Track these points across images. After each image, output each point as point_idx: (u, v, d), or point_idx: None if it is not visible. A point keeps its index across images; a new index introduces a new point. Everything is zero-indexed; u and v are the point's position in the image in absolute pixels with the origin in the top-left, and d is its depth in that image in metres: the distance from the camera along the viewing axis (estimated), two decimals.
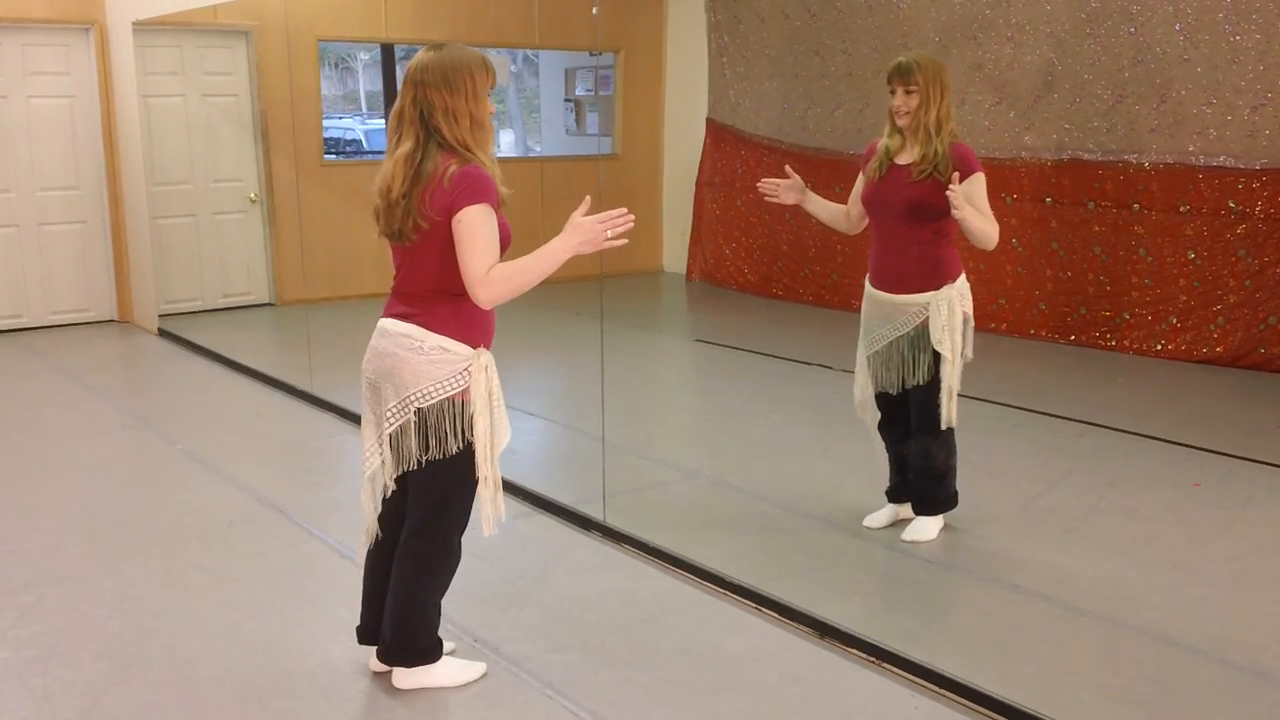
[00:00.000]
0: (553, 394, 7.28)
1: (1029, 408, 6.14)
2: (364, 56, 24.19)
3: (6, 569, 4.19)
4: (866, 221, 4.41)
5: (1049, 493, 4.95)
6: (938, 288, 4.15)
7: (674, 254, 11.15)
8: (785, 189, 4.37)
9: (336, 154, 16.01)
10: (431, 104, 2.95)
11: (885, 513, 4.53)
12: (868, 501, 4.60)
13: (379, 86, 22.94)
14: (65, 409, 6.45)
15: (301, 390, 6.59)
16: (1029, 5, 7.76)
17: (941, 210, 4.05)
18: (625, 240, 3.02)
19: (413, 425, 3.02)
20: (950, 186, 3.92)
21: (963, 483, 4.40)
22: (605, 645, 3.54)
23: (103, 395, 6.76)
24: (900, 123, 4.14)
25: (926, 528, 4.36)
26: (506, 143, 19.57)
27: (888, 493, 4.54)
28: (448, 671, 3.28)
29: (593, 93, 11.52)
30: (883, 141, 4.24)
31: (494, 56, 11.98)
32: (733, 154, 10.17)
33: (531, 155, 15.44)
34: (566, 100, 11.98)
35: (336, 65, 24.94)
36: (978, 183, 4.09)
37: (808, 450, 5.58)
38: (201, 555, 4.31)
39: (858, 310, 4.44)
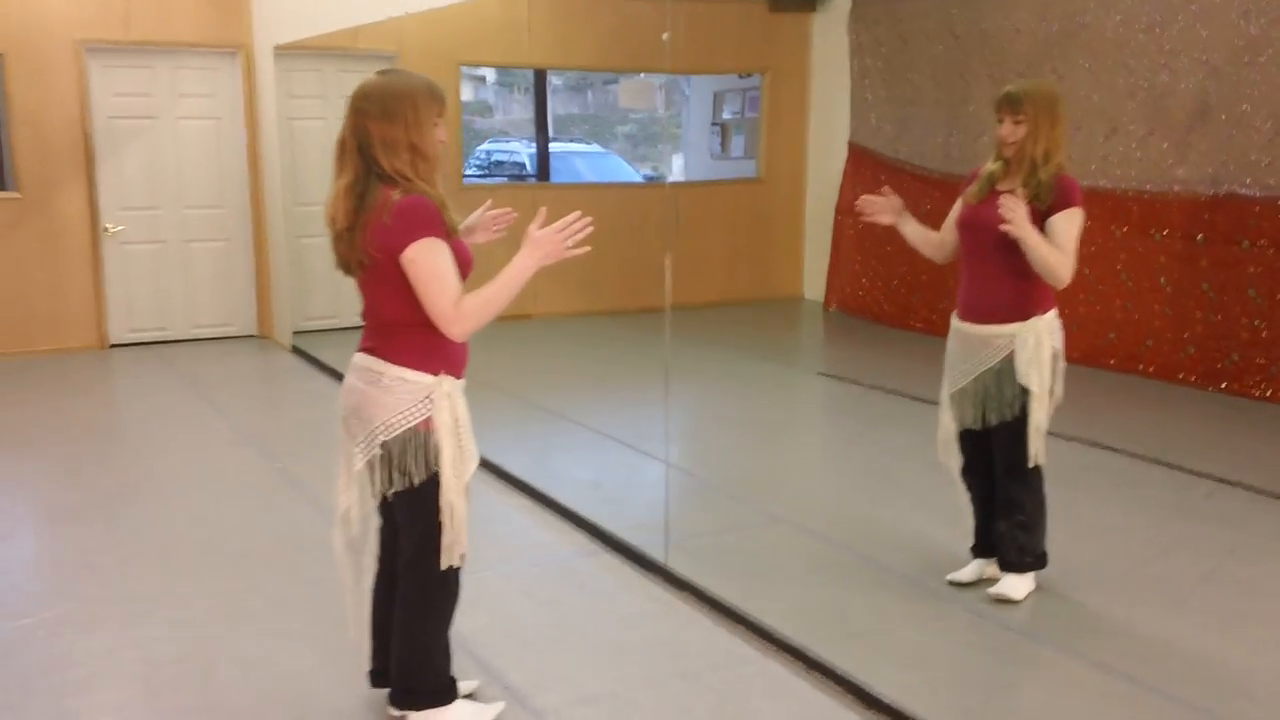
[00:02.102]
0: (656, 427, 7.07)
1: (1159, 459, 5.70)
2: (555, 81, 24.47)
3: (73, 584, 4.27)
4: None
5: (1161, 558, 4.56)
6: (1026, 319, 3.91)
7: (815, 281, 10.88)
8: (882, 208, 4.23)
9: (505, 177, 16.14)
10: (369, 134, 2.85)
11: (971, 569, 4.24)
12: (961, 555, 4.29)
13: (572, 109, 23.25)
14: (182, 422, 6.62)
15: None
16: (1184, 31, 7.27)
17: None
18: (588, 248, 2.90)
19: (378, 459, 2.94)
20: (1004, 195, 3.73)
21: (1068, 541, 4.12)
22: (636, 700, 3.37)
23: (221, 410, 6.92)
24: (1005, 153, 3.94)
25: (1014, 586, 4.06)
26: (677, 166, 19.53)
27: (973, 547, 4.25)
28: (461, 713, 3.16)
29: (739, 115, 11.36)
30: (988, 166, 4.04)
31: (640, 80, 11.95)
32: (873, 179, 9.83)
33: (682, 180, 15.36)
34: (713, 124, 11.85)
35: (526, 90, 25.17)
36: (1069, 218, 3.83)
37: (906, 497, 5.28)
38: (264, 579, 4.31)
39: None
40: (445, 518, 2.98)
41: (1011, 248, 3.84)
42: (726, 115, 11.58)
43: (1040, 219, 3.82)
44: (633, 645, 3.75)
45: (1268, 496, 5.19)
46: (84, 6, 8.29)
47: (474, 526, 4.78)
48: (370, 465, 2.98)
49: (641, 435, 6.46)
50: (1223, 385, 7.21)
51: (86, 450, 6.07)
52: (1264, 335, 7.03)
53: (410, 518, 3.03)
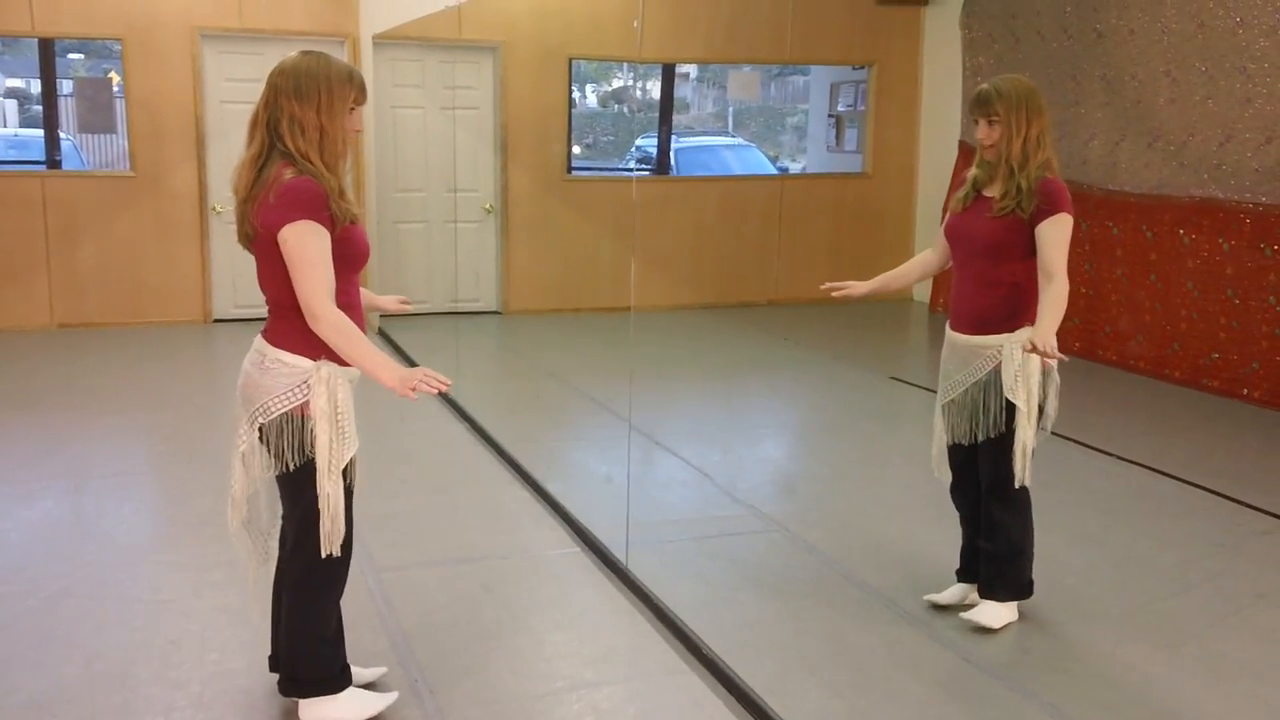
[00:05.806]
0: (695, 425, 6.92)
1: (1218, 490, 5.29)
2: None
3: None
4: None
5: (1178, 596, 4.21)
6: (1013, 330, 3.68)
7: (924, 283, 10.52)
8: (853, 286, 4.05)
9: (648, 170, 16.14)
10: (279, 109, 2.85)
11: (953, 591, 4.02)
12: (951, 578, 4.06)
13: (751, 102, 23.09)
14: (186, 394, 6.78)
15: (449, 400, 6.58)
16: None
17: (1023, 251, 3.64)
18: (415, 399, 2.88)
19: (258, 443, 2.94)
20: (1022, 345, 3.56)
21: (1081, 569, 3.95)
22: (530, 711, 3.26)
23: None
24: (985, 156, 3.74)
25: (991, 614, 3.83)
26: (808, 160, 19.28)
27: (958, 570, 4.04)
28: (350, 703, 3.13)
29: (853, 108, 11.09)
30: (971, 171, 3.84)
31: (746, 73, 11.76)
32: None
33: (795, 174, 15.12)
34: (829, 116, 11.60)
35: (719, 85, 25.14)
36: (1057, 225, 3.59)
37: (923, 514, 5.00)
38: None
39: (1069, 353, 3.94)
40: (322, 505, 2.94)
41: (998, 256, 3.67)
42: (841, 107, 11.31)
43: (1025, 228, 3.60)
44: (560, 649, 3.66)
45: None
46: None
47: (466, 518, 4.81)
48: (250, 449, 2.98)
49: (673, 432, 6.31)
50: None
51: (146, 419, 6.31)
52: None
53: (290, 503, 3.02)
